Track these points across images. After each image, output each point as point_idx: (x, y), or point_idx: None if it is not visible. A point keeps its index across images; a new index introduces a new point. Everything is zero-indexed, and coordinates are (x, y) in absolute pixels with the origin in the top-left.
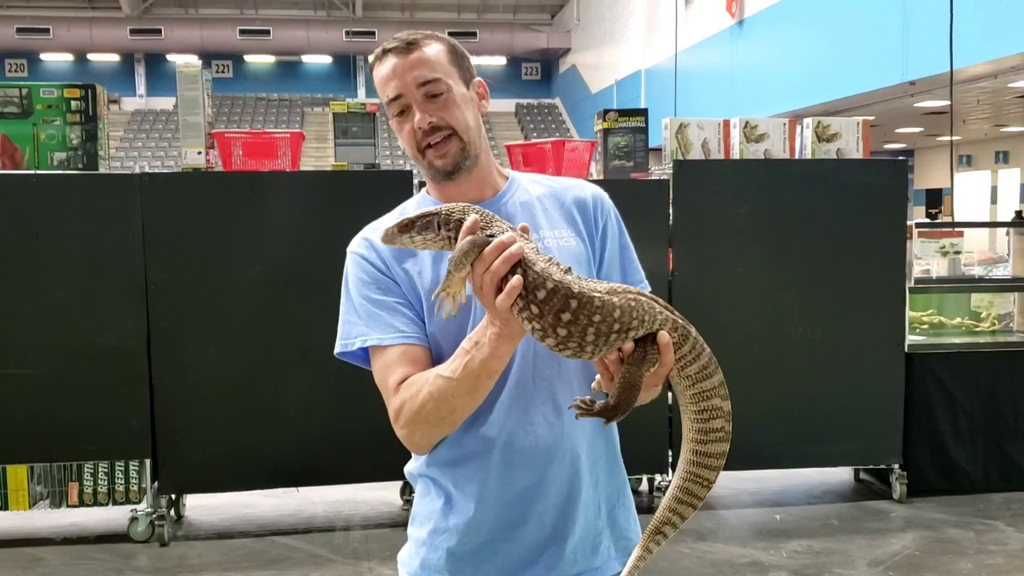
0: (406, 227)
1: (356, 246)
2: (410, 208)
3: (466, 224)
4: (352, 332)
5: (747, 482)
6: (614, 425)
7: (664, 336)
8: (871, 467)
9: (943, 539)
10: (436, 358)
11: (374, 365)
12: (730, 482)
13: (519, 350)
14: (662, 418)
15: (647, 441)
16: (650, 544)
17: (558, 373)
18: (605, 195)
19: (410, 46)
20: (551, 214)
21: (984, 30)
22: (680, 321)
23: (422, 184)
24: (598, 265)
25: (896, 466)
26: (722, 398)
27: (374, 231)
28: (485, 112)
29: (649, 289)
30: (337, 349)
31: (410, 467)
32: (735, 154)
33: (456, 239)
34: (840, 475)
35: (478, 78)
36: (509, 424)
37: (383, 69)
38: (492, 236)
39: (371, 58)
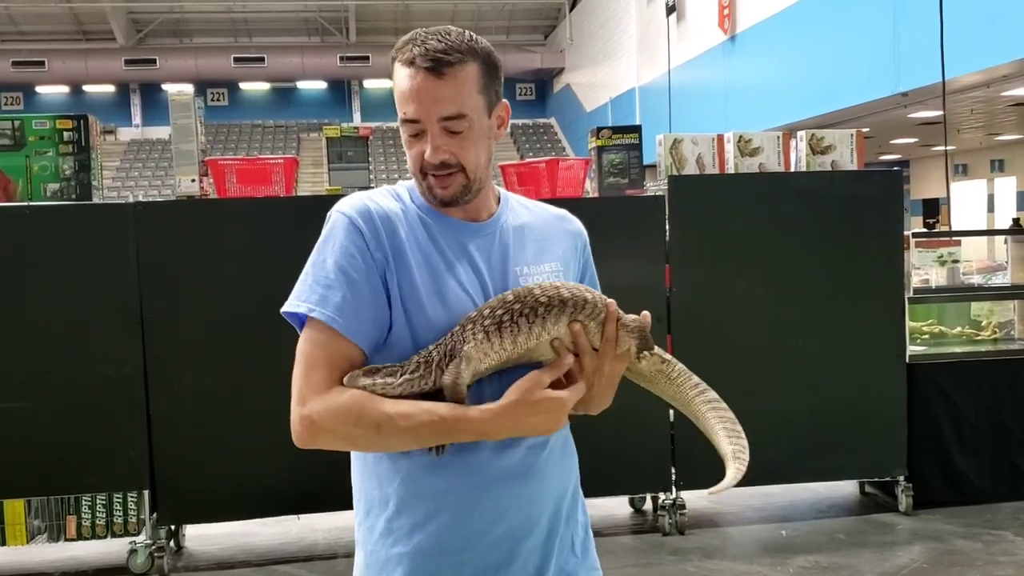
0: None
1: (352, 210)
2: (402, 191)
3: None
4: (312, 295)
5: (752, 498)
6: (574, 456)
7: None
8: (876, 480)
9: (951, 551)
10: (401, 354)
11: (307, 336)
12: (735, 499)
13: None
14: (665, 436)
15: (650, 459)
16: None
17: None
18: (584, 230)
19: (443, 69)
20: (540, 245)
21: (975, 40)
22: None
23: None
24: None
25: (902, 478)
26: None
27: (371, 200)
28: (501, 138)
29: None
30: (287, 307)
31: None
32: (730, 168)
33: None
34: (845, 488)
35: (503, 100)
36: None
37: (407, 82)
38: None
39: (395, 51)
